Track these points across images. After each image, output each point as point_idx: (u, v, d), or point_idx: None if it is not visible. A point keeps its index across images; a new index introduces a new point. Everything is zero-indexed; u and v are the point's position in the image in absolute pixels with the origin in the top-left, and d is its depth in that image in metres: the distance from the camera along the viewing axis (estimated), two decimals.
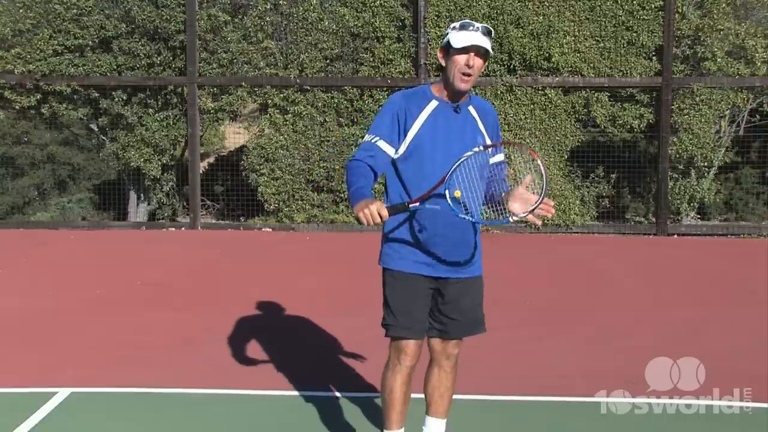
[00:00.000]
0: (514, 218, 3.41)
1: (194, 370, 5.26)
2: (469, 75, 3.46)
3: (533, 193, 3.44)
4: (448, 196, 3.38)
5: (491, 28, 3.51)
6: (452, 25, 3.52)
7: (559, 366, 5.37)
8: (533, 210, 3.34)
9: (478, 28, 3.45)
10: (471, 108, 3.61)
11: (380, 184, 9.98)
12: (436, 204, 3.39)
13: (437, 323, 3.67)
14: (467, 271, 3.63)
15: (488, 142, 3.61)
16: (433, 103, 3.54)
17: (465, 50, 3.43)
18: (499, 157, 3.69)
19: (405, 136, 3.52)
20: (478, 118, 3.61)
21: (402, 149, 3.54)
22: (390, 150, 3.52)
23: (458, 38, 3.44)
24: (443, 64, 3.54)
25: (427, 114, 3.53)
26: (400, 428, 3.68)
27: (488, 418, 4.53)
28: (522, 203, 3.43)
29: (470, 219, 3.41)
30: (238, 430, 4.40)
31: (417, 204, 3.39)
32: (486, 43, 3.44)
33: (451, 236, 3.53)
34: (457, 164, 3.38)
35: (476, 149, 3.41)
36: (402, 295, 3.59)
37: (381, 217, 3.26)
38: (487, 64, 3.59)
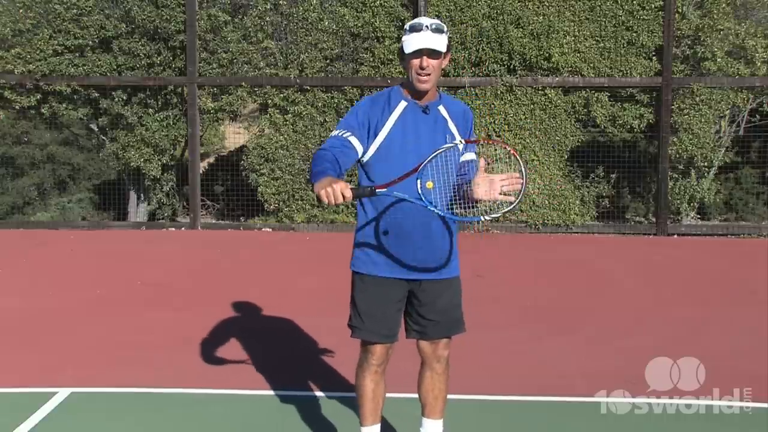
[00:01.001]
0: (486, 218, 3.32)
1: (194, 370, 5.26)
2: (427, 74, 3.44)
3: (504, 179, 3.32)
4: (419, 186, 3.28)
5: (443, 25, 3.47)
6: (405, 27, 3.50)
7: (559, 366, 5.37)
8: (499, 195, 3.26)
9: (428, 26, 3.41)
10: (441, 108, 3.59)
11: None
12: (405, 192, 3.27)
13: (416, 325, 3.66)
14: (443, 273, 3.60)
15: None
16: (402, 104, 3.53)
17: (417, 53, 3.41)
18: (470, 156, 3.63)
19: (375, 137, 3.49)
20: (448, 118, 3.59)
21: (372, 151, 3.51)
22: (359, 147, 3.48)
23: (408, 42, 3.42)
24: (403, 67, 3.54)
25: (396, 116, 3.51)
26: (374, 424, 3.69)
27: (488, 418, 4.53)
28: (487, 185, 3.32)
29: (438, 212, 3.29)
30: (238, 430, 4.41)
31: (384, 189, 3.28)
32: (436, 42, 3.40)
33: (419, 233, 3.49)
34: (433, 155, 3.29)
35: (455, 142, 3.35)
36: (372, 300, 3.57)
37: (344, 197, 3.14)
38: (447, 59, 3.55)
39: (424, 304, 3.61)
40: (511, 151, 3.36)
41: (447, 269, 3.61)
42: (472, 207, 3.40)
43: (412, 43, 3.41)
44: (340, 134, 3.47)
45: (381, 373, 3.65)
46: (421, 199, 3.27)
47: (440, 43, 3.42)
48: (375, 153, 3.51)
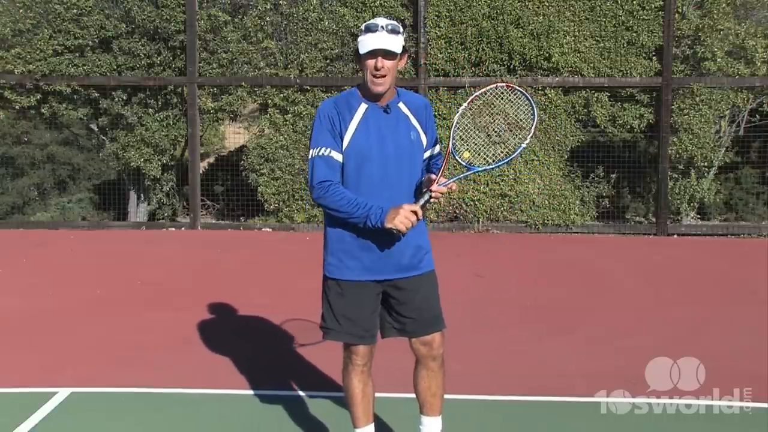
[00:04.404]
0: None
1: (194, 370, 5.27)
2: (382, 76, 3.44)
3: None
4: (461, 163, 3.61)
5: (398, 26, 3.49)
6: (360, 27, 3.52)
7: (559, 366, 5.37)
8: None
9: (383, 27, 3.42)
10: (401, 105, 3.60)
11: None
12: (452, 177, 3.56)
13: (396, 323, 3.68)
14: (417, 269, 3.62)
15: (422, 136, 3.63)
16: (363, 107, 3.53)
17: (372, 54, 3.42)
18: (437, 149, 3.74)
19: (341, 141, 3.50)
20: (410, 114, 3.61)
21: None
22: (340, 158, 3.50)
23: (363, 42, 3.43)
24: (358, 68, 3.56)
25: (358, 118, 3.51)
26: (367, 424, 3.70)
27: (488, 418, 4.53)
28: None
29: (489, 167, 3.72)
30: (237, 430, 4.41)
31: (437, 185, 3.46)
32: (391, 43, 3.41)
33: (390, 232, 3.49)
34: (452, 132, 3.60)
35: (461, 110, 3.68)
36: (350, 303, 3.59)
37: (418, 216, 3.38)
38: (404, 61, 3.57)
39: (401, 303, 3.63)
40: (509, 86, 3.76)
41: (421, 265, 3.64)
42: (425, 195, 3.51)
43: (367, 43, 3.42)
44: (322, 153, 3.47)
45: (367, 372, 3.67)
46: (473, 170, 3.65)
47: (395, 44, 3.42)
48: (343, 157, 3.52)
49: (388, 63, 3.43)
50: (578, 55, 9.92)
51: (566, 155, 10.12)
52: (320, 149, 3.47)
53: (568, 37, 9.90)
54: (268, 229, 10.25)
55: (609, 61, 9.92)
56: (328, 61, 10.23)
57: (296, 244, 9.49)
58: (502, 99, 3.81)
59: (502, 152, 3.83)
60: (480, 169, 3.69)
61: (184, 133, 10.41)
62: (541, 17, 9.90)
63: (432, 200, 3.48)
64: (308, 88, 10.16)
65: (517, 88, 3.74)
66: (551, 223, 9.95)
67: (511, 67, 9.93)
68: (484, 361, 5.45)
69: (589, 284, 7.68)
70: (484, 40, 9.88)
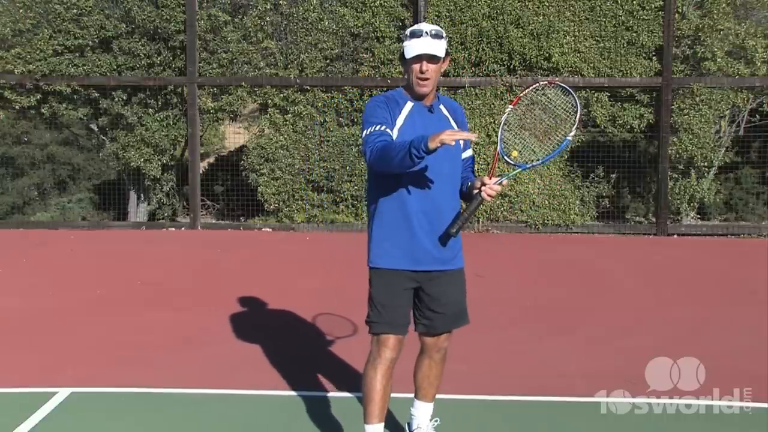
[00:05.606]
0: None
1: (194, 370, 5.26)
2: (426, 78, 3.59)
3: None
4: (510, 162, 3.71)
5: (442, 31, 3.62)
6: (405, 33, 3.65)
7: (559, 366, 5.37)
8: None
9: (428, 33, 3.56)
10: (441, 107, 3.77)
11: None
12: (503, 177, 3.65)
13: (424, 319, 3.77)
14: (450, 263, 3.74)
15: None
16: (409, 105, 3.68)
17: (417, 58, 3.56)
18: (469, 153, 3.87)
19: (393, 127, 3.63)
20: (449, 116, 3.77)
21: None
22: (393, 137, 3.58)
23: (409, 48, 3.57)
24: (403, 70, 3.70)
25: (405, 114, 3.65)
26: (380, 422, 3.72)
27: (488, 418, 4.53)
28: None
29: (539, 162, 3.78)
30: (238, 430, 4.40)
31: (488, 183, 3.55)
32: (435, 48, 3.55)
33: (432, 225, 3.63)
34: (499, 135, 3.78)
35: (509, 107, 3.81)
36: (385, 291, 3.67)
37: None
38: (446, 63, 3.70)
39: (434, 298, 3.73)
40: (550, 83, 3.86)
41: (455, 260, 3.77)
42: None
43: (412, 48, 3.56)
44: (377, 129, 3.55)
45: (392, 370, 3.71)
46: (523, 168, 3.77)
47: (439, 48, 3.57)
48: None
49: (432, 66, 3.58)
50: (578, 55, 9.92)
51: (566, 155, 10.12)
52: (374, 126, 3.55)
53: (568, 37, 9.90)
54: (268, 229, 10.25)
55: (609, 61, 9.92)
56: (328, 61, 10.23)
57: (296, 244, 9.49)
58: (544, 96, 3.96)
59: (547, 148, 3.98)
60: (529, 166, 3.81)
61: (184, 133, 10.41)
62: (541, 17, 9.90)
63: (483, 202, 3.59)
64: (308, 88, 10.16)
65: (558, 83, 3.86)
66: (551, 223, 9.95)
67: (511, 67, 9.94)
68: (484, 361, 5.45)
69: (589, 284, 7.68)
70: (484, 40, 9.88)
